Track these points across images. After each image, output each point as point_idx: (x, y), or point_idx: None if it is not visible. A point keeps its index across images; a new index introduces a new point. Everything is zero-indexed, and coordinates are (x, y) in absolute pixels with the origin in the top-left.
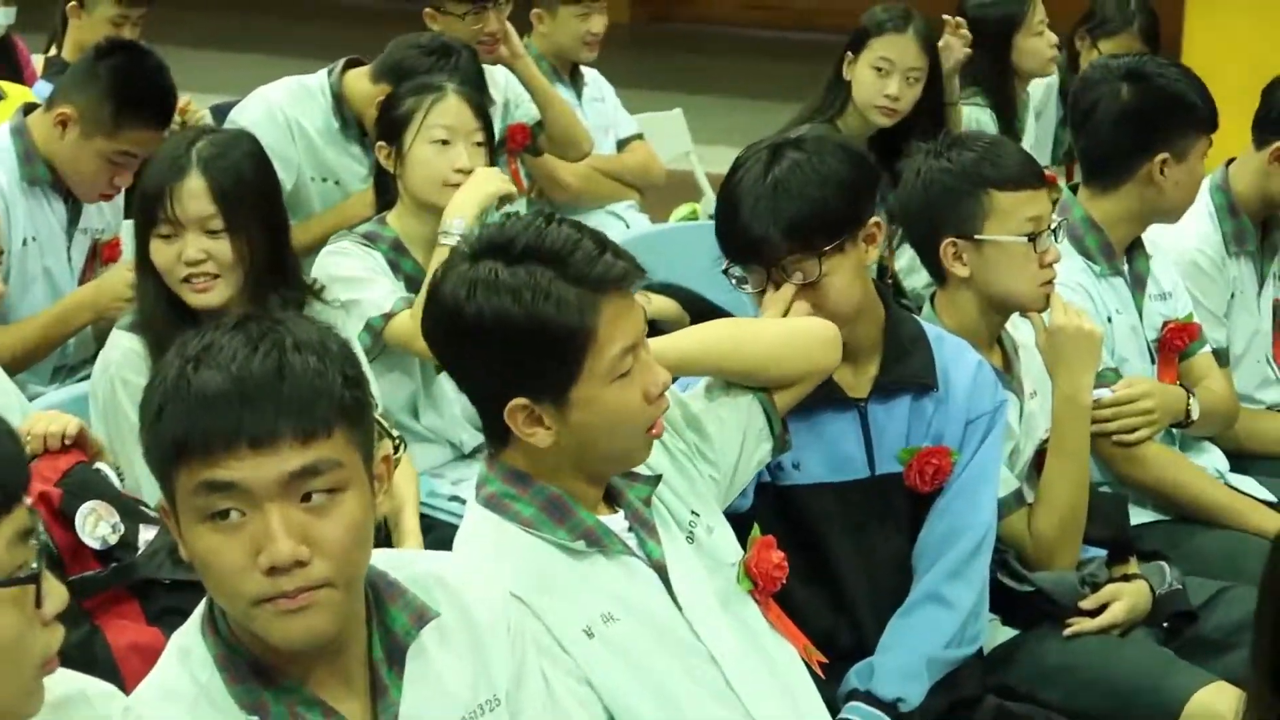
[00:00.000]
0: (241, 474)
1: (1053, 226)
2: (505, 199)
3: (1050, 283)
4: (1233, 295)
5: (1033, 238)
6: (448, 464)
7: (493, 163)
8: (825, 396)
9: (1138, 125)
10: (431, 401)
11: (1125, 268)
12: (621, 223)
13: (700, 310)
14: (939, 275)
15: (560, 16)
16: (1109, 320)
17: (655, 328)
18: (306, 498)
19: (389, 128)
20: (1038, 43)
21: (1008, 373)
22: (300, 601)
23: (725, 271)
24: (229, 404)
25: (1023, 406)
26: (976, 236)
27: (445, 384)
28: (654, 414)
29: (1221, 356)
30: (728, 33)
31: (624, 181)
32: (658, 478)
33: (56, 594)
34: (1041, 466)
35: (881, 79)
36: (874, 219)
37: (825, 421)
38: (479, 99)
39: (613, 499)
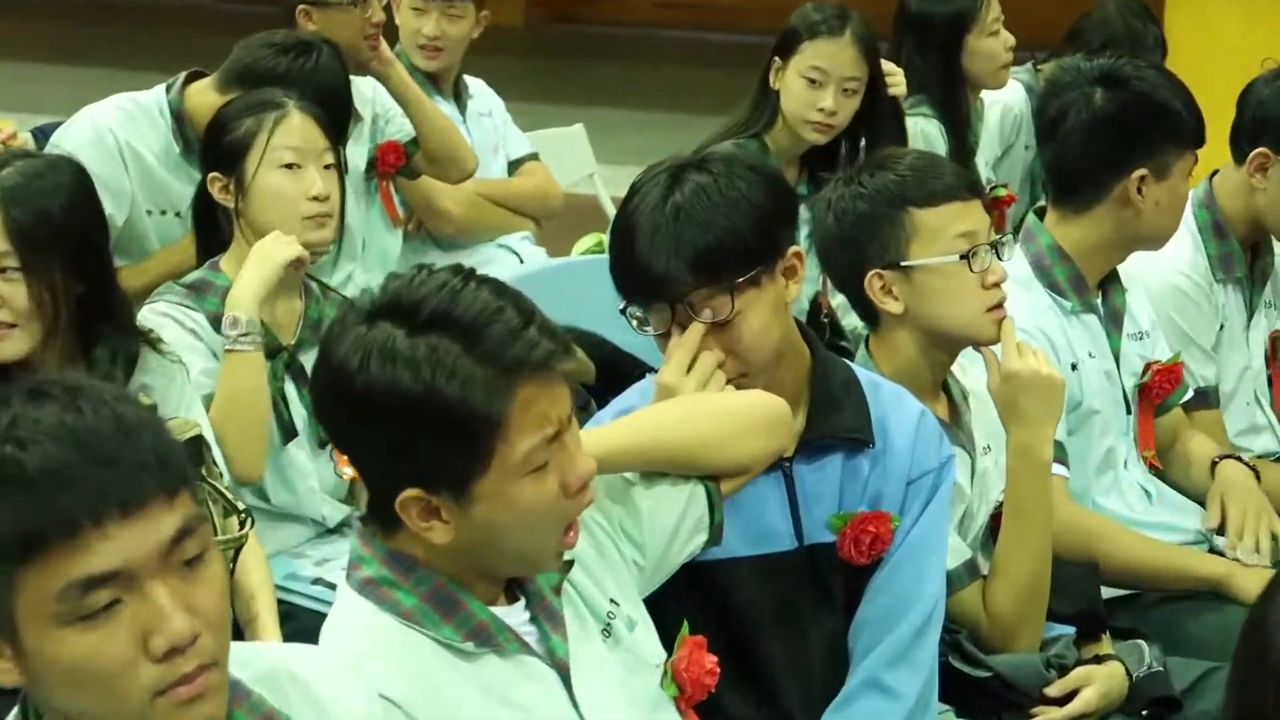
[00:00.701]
0: (120, 554)
1: (993, 241)
2: (297, 263)
3: (999, 306)
4: (1221, 327)
5: (968, 255)
6: (309, 542)
7: (343, 187)
8: None
9: (1112, 137)
10: (281, 476)
11: (1100, 303)
12: (514, 257)
13: (608, 357)
14: (870, 315)
15: (401, 8)
16: (1073, 367)
17: None
18: (180, 565)
19: (223, 154)
20: (992, 44)
21: (956, 424)
22: (199, 685)
23: (623, 311)
24: (83, 471)
25: (974, 463)
26: (903, 264)
27: (297, 454)
28: (573, 509)
29: (1211, 396)
30: (640, 35)
31: (517, 209)
32: (570, 563)
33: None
34: (998, 532)
35: (814, 90)
36: (795, 249)
37: (745, 487)
38: (325, 115)
39: (515, 583)
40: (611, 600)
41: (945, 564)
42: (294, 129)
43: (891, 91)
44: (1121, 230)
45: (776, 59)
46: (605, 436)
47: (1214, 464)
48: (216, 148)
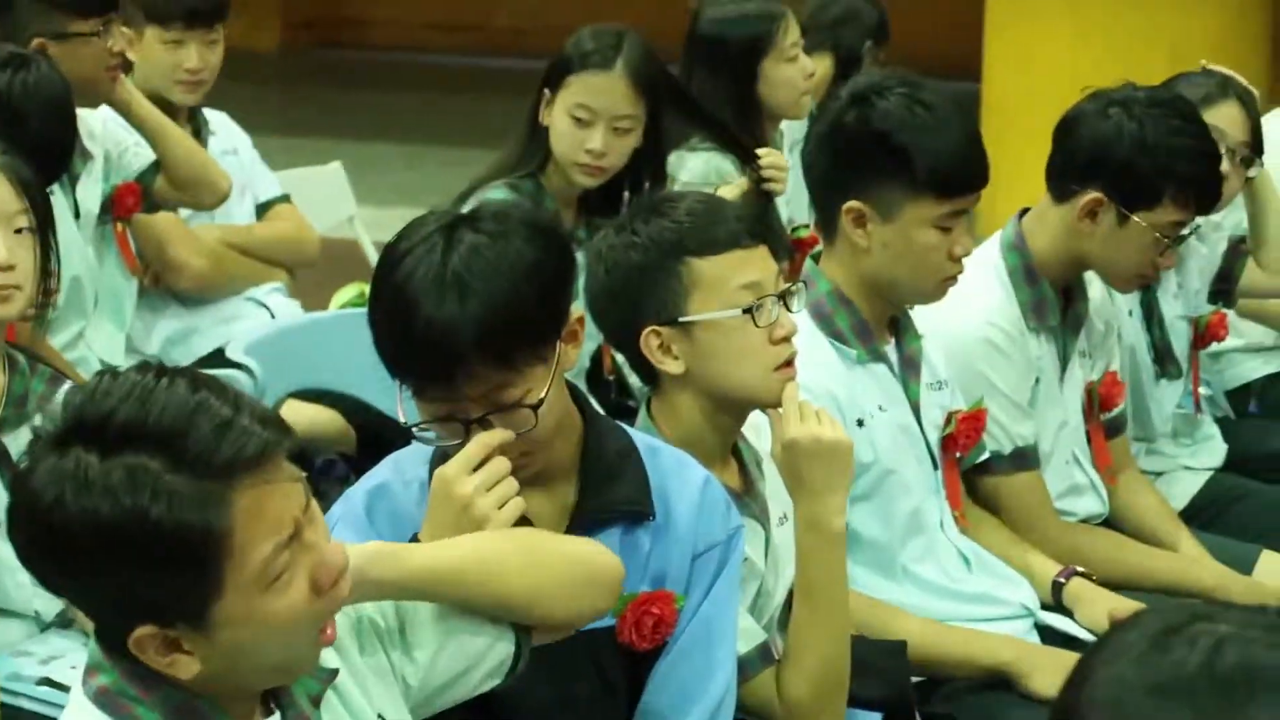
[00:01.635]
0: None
1: (781, 291)
2: None
3: (788, 364)
4: (1036, 380)
5: (752, 309)
6: (31, 639)
7: (46, 256)
8: None
9: (830, 160)
10: None
11: (891, 350)
12: (265, 311)
13: (371, 423)
14: (650, 375)
15: (146, 41)
16: (860, 424)
17: (304, 450)
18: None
19: None
20: (790, 71)
21: (747, 493)
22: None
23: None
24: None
25: (768, 535)
26: (681, 319)
27: (2, 546)
28: (328, 608)
29: (1029, 457)
30: (409, 61)
31: (266, 258)
32: (334, 671)
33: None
34: None
35: (582, 130)
36: (578, 313)
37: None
38: (30, 163)
39: (271, 694)
40: (379, 715)
41: (735, 648)
42: None
43: (767, 187)
44: (860, 270)
45: (546, 91)
46: (431, 560)
47: (1056, 586)
48: None
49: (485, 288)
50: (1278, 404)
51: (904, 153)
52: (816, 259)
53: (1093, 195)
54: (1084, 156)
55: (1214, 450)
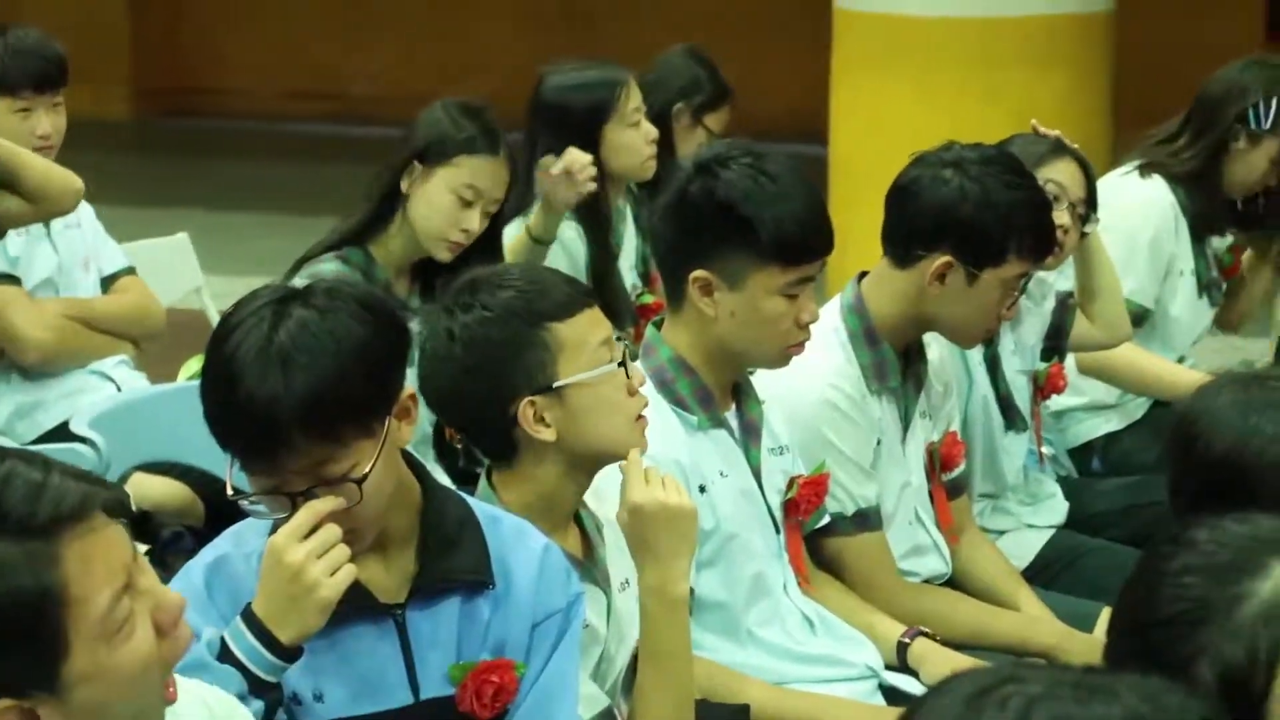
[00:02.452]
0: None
1: (626, 346)
2: None
3: (643, 415)
4: (879, 441)
5: (624, 362)
6: None
7: None
8: (349, 601)
9: (678, 229)
10: None
11: (732, 416)
12: (110, 384)
13: (217, 494)
14: (506, 452)
15: None
16: (702, 489)
17: (153, 520)
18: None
19: None
20: (632, 136)
21: (589, 559)
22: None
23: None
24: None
25: (610, 601)
26: (555, 385)
27: None
28: (173, 652)
29: (871, 518)
30: (266, 130)
31: (111, 331)
32: None
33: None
34: None
35: (463, 210)
36: (409, 391)
37: (352, 636)
38: None
39: None
40: None
41: (577, 715)
42: None
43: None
44: (707, 337)
45: (416, 164)
46: None
47: (901, 647)
48: None
49: (310, 363)
50: (1119, 461)
51: (749, 223)
52: (658, 325)
53: (942, 259)
54: (928, 221)
55: (1056, 508)
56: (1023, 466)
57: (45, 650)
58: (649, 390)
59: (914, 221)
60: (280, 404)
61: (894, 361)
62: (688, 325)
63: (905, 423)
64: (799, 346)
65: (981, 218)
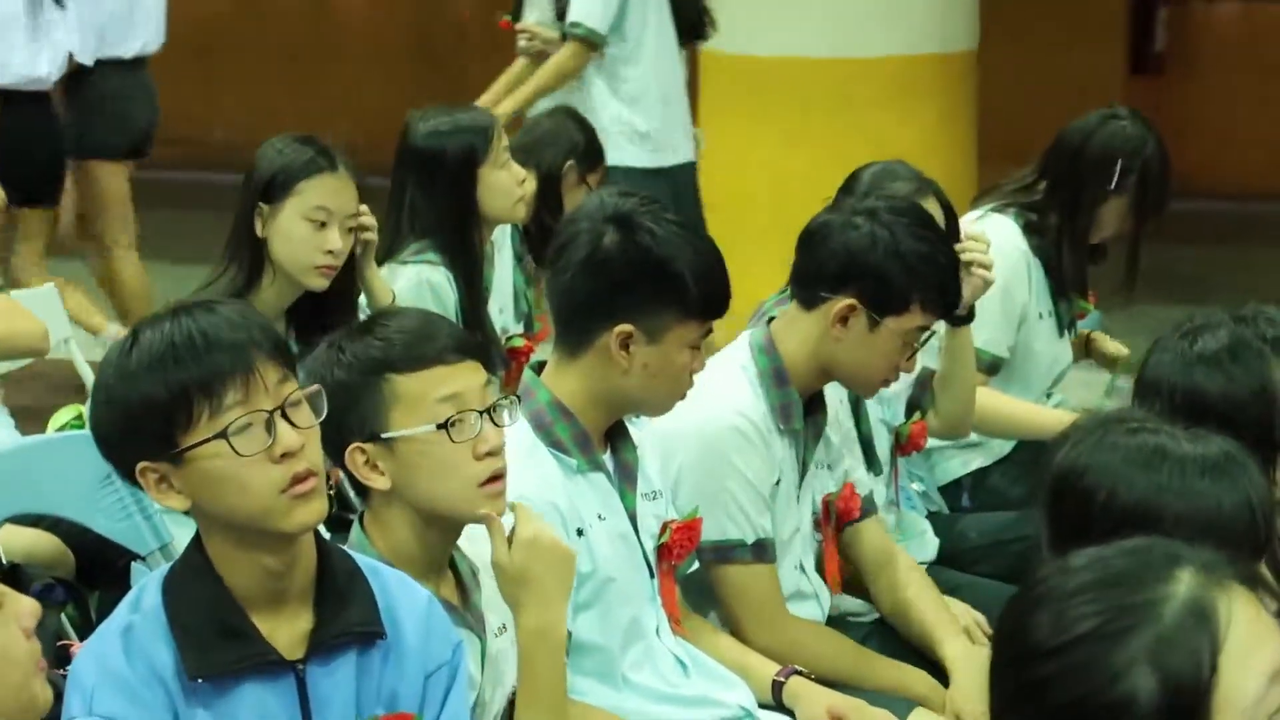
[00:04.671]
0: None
1: (490, 406)
2: None
3: (497, 479)
4: (778, 481)
5: (447, 424)
6: None
7: None
8: (249, 658)
9: (602, 283)
10: None
11: (608, 459)
12: None
13: (87, 545)
14: (361, 491)
15: None
16: (580, 533)
17: (21, 574)
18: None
19: None
20: (503, 178)
21: (464, 605)
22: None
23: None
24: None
25: (485, 646)
26: (382, 435)
27: None
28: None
29: (768, 549)
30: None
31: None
32: None
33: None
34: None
35: (320, 232)
36: None
37: (250, 692)
38: None
39: None
40: None
41: None
42: None
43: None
44: (608, 385)
45: (263, 206)
46: None
47: (776, 685)
48: None
49: (237, 318)
50: (989, 497)
51: (680, 279)
52: (536, 369)
53: (846, 302)
54: (836, 264)
55: (926, 545)
56: (889, 503)
57: None
58: (523, 432)
59: (823, 264)
60: (240, 328)
61: (799, 405)
62: (581, 373)
63: (803, 469)
64: (684, 395)
65: (888, 265)
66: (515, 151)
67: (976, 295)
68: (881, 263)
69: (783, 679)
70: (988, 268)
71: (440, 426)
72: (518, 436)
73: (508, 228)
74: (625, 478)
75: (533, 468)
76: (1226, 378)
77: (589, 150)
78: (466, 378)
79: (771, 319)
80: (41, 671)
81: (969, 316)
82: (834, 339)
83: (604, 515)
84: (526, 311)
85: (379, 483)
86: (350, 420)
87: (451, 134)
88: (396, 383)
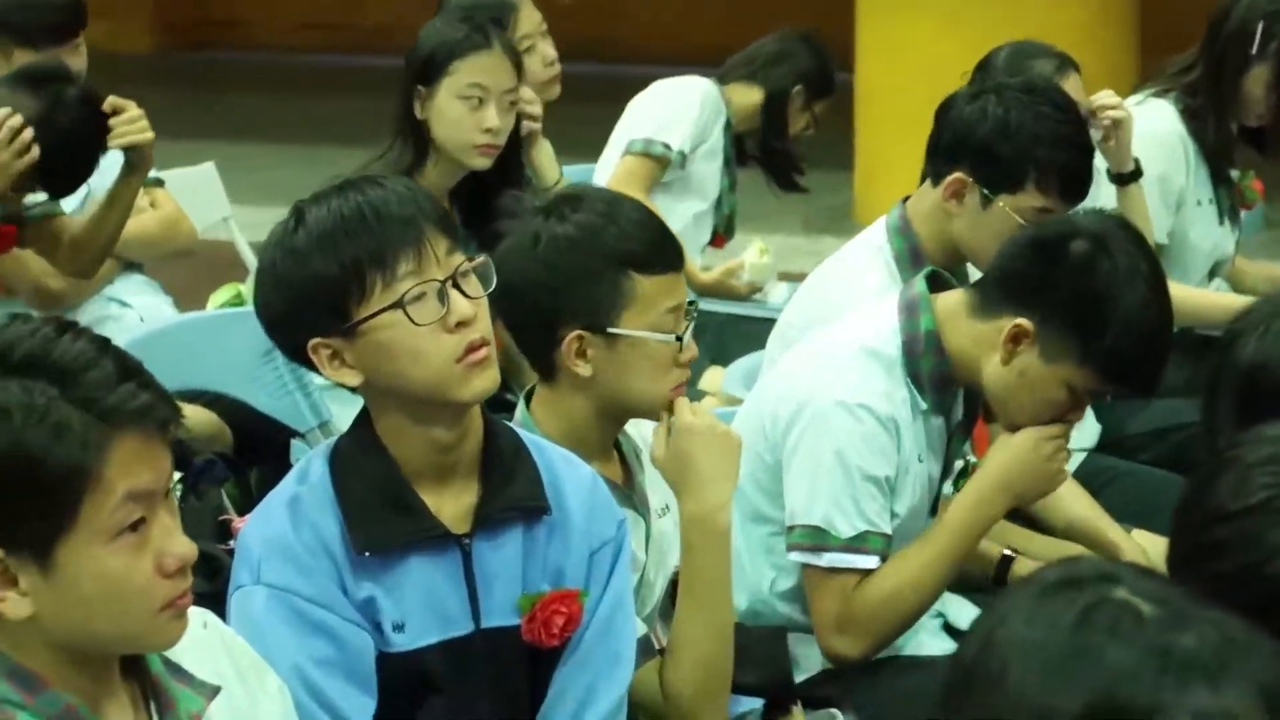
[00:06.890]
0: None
1: (690, 318)
2: None
3: (684, 385)
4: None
5: (681, 336)
6: None
7: None
8: (416, 533)
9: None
10: None
11: (958, 406)
12: (131, 311)
13: (246, 422)
14: (547, 370)
15: (16, 63)
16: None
17: (184, 449)
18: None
19: None
20: (528, 61)
21: (629, 485)
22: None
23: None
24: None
25: (649, 527)
26: (611, 330)
27: None
28: (167, 593)
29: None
30: (282, 61)
31: (141, 249)
32: (216, 689)
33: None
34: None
35: (477, 111)
36: None
37: (416, 566)
38: None
39: (154, 695)
40: None
41: (635, 638)
42: None
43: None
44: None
45: (420, 88)
46: None
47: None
48: None
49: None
50: None
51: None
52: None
53: (957, 175)
54: (949, 137)
55: (1087, 431)
56: None
57: (54, 519)
58: (890, 343)
59: (939, 138)
60: (408, 201)
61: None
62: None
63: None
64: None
65: (996, 141)
66: (739, 64)
67: (1125, 147)
68: (988, 138)
69: (1012, 555)
70: (1114, 107)
71: (678, 338)
72: (879, 344)
73: (723, 135)
74: (964, 428)
75: (887, 382)
76: None
77: (820, 77)
78: (683, 289)
79: (907, 198)
80: (174, 608)
81: (1134, 175)
82: (951, 214)
83: (923, 458)
84: (727, 214)
85: (582, 370)
86: (577, 304)
87: (475, 11)
88: (637, 282)
